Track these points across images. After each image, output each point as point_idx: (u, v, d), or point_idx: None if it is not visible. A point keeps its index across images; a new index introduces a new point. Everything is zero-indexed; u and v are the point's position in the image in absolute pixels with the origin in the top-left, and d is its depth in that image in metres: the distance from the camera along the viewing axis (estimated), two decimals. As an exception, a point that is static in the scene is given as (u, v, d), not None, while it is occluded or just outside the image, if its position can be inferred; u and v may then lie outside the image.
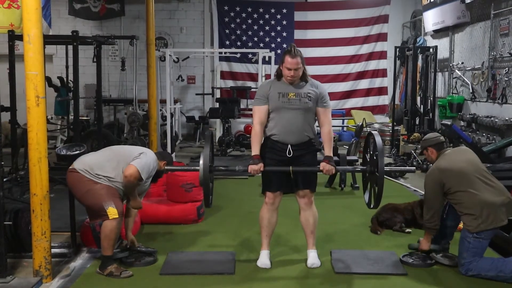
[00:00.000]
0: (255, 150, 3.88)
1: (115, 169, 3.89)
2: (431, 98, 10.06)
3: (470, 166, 3.97)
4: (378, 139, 3.79)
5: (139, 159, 3.91)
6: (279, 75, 3.91)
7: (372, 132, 3.93)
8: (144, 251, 4.23)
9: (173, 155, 8.49)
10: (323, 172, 3.90)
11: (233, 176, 7.58)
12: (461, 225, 4.52)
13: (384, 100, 12.54)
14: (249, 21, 12.25)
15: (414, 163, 8.30)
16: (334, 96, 12.40)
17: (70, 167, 3.95)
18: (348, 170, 4.16)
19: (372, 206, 3.99)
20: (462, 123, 9.12)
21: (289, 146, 3.89)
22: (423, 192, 4.01)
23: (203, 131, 11.72)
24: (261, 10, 12.23)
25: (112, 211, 3.79)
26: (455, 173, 3.89)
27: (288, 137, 3.89)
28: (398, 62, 10.63)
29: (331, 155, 3.95)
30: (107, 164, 3.91)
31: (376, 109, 12.50)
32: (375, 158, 3.80)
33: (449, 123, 7.88)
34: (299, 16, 12.28)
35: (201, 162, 3.68)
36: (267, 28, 12.28)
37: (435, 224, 4.01)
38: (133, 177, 3.85)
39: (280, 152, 3.92)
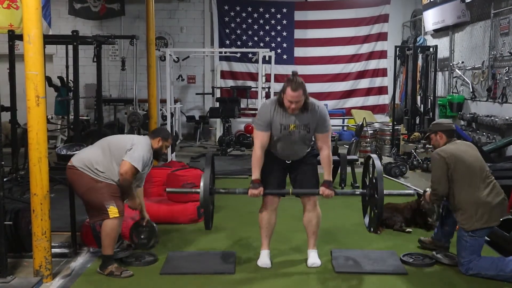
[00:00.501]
0: (256, 174, 3.90)
1: (110, 164, 3.87)
2: (431, 98, 10.06)
3: (477, 163, 3.94)
4: (378, 162, 3.84)
5: (131, 152, 3.85)
6: (280, 103, 3.83)
7: (372, 155, 3.97)
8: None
9: (174, 154, 8.50)
10: (323, 196, 3.95)
11: (233, 176, 7.58)
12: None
13: (384, 99, 12.53)
14: (249, 20, 12.24)
15: (415, 162, 8.29)
16: (334, 95, 12.42)
17: (69, 164, 3.95)
18: (347, 193, 4.19)
19: (372, 230, 4.00)
20: (462, 122, 9.12)
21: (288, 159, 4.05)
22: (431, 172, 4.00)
23: (204, 130, 11.74)
24: (261, 9, 12.23)
25: (113, 210, 3.80)
26: (463, 163, 3.85)
27: (286, 157, 4.03)
28: (398, 61, 10.63)
29: (331, 179, 3.97)
30: (103, 160, 3.89)
31: (376, 109, 12.49)
32: (374, 181, 3.83)
33: (449, 122, 7.86)
34: (299, 15, 12.27)
35: (201, 184, 3.75)
36: (267, 27, 12.27)
37: (439, 196, 3.98)
38: (129, 174, 3.83)
39: (279, 160, 4.04)
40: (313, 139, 3.99)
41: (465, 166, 3.86)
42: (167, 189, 4.31)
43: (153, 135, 4.14)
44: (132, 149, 3.88)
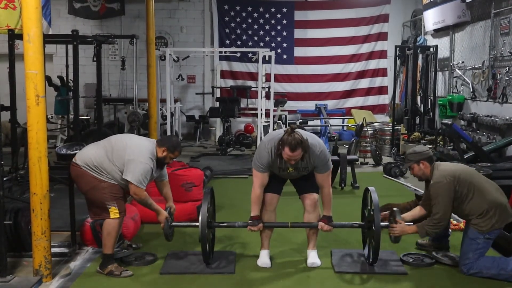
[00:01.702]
0: (255, 211, 3.97)
1: (109, 165, 3.86)
2: (432, 98, 10.06)
3: (469, 169, 4.00)
4: (375, 196, 3.90)
5: (132, 171, 3.78)
6: (279, 154, 3.78)
7: (369, 188, 4.02)
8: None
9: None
10: (322, 230, 4.01)
11: (233, 176, 7.58)
12: (461, 225, 4.54)
13: (384, 99, 12.53)
14: (249, 20, 12.24)
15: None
16: (334, 95, 12.42)
17: (73, 161, 3.94)
18: (346, 226, 4.21)
19: (371, 261, 4.00)
20: (462, 122, 9.12)
21: None
22: (433, 203, 3.85)
23: (203, 130, 11.73)
24: (261, 9, 12.23)
25: (114, 211, 3.82)
26: (463, 177, 3.85)
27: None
28: (398, 61, 10.63)
29: (331, 215, 4.02)
30: (103, 160, 3.88)
31: (376, 109, 12.49)
32: (372, 213, 3.90)
33: (449, 122, 7.88)
34: (299, 15, 12.27)
35: (200, 218, 3.82)
36: (267, 27, 12.27)
37: (439, 230, 3.92)
38: (138, 194, 3.88)
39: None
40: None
41: (467, 180, 3.85)
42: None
43: (160, 142, 4.02)
44: (131, 166, 3.79)
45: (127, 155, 3.82)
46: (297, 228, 4.23)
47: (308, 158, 3.80)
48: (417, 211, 4.19)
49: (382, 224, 3.87)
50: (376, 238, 3.82)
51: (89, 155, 3.93)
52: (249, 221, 3.97)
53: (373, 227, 3.84)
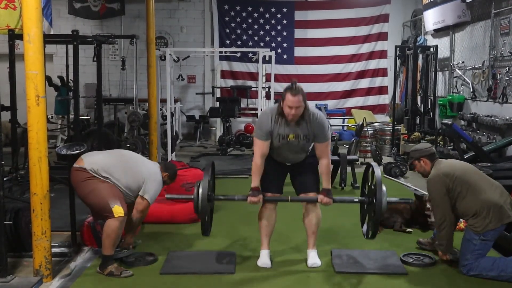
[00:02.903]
0: (255, 182, 3.93)
1: (119, 179, 3.91)
2: (432, 98, 10.06)
3: (469, 168, 4.00)
4: (378, 170, 3.84)
5: (148, 189, 3.99)
6: (279, 112, 3.83)
7: (372, 164, 3.96)
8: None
9: (174, 154, 8.49)
10: (321, 203, 3.98)
11: (233, 176, 7.58)
12: (461, 225, 4.54)
13: (385, 99, 12.53)
14: (250, 20, 12.24)
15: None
16: (334, 95, 12.42)
17: (77, 165, 3.94)
18: (346, 200, 4.20)
19: (369, 236, 3.98)
20: (462, 122, 9.12)
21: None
22: (431, 204, 3.94)
23: (204, 130, 11.74)
24: (261, 9, 12.23)
25: (118, 210, 3.79)
26: (459, 175, 3.86)
27: (285, 161, 4.06)
28: (398, 61, 10.63)
29: (329, 187, 3.99)
30: (114, 171, 3.92)
31: (376, 109, 12.48)
32: (373, 188, 3.84)
33: (449, 122, 7.88)
34: (299, 15, 12.27)
35: (200, 191, 3.78)
36: (267, 27, 12.27)
37: (444, 225, 3.90)
38: (144, 211, 4.04)
39: (279, 162, 4.06)
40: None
41: (464, 179, 3.86)
42: (166, 196, 4.32)
43: (164, 167, 4.29)
44: (151, 185, 4.00)
45: (146, 173, 4.02)
46: (296, 202, 4.12)
47: (308, 120, 3.81)
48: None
49: (384, 199, 3.75)
50: (377, 211, 3.73)
51: (100, 161, 3.96)
52: (249, 192, 3.92)
53: (374, 200, 3.76)
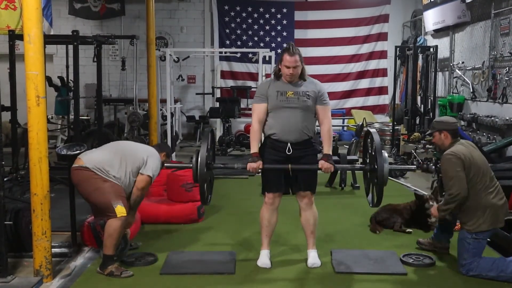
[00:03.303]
0: (254, 148, 3.90)
1: (120, 170, 3.93)
2: (432, 98, 10.06)
3: (484, 165, 3.91)
4: (376, 136, 3.80)
5: (148, 165, 4.00)
6: (277, 75, 3.90)
7: (370, 130, 3.91)
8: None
9: (174, 154, 8.49)
10: (322, 170, 3.89)
11: (233, 176, 7.57)
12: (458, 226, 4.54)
13: (385, 99, 12.53)
14: (249, 20, 12.24)
15: (415, 162, 8.29)
16: (334, 95, 12.40)
17: (77, 165, 3.94)
18: (347, 168, 4.09)
19: (375, 202, 3.87)
20: (462, 122, 9.12)
21: (289, 144, 3.88)
22: (446, 179, 3.80)
23: (204, 130, 11.73)
24: (261, 9, 12.23)
25: (121, 210, 3.80)
26: (474, 165, 3.81)
27: (287, 135, 3.88)
28: (398, 61, 10.63)
29: (330, 153, 3.93)
30: (114, 163, 3.94)
31: (376, 109, 12.49)
32: (374, 154, 3.78)
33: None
34: (299, 15, 12.28)
35: (198, 158, 3.73)
36: (267, 27, 12.28)
37: (461, 198, 3.77)
38: (146, 186, 4.03)
39: (279, 151, 3.91)
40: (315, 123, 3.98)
41: (477, 169, 3.81)
42: (165, 164, 4.27)
43: (159, 148, 4.32)
44: (147, 164, 4.01)
45: (144, 154, 4.05)
46: (297, 170, 3.93)
47: (306, 82, 3.88)
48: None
49: (386, 165, 3.66)
50: (379, 177, 3.67)
51: (97, 158, 3.96)
52: (249, 159, 3.88)
53: (376, 165, 3.71)
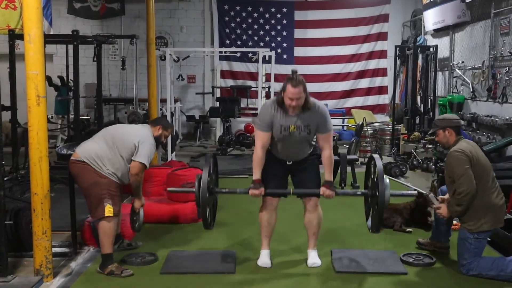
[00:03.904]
0: (256, 174, 3.90)
1: (114, 158, 3.91)
2: (431, 97, 10.06)
3: (488, 165, 3.89)
4: (379, 162, 3.82)
5: (140, 152, 3.92)
6: (280, 103, 3.81)
7: (374, 156, 3.92)
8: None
9: (174, 154, 8.50)
10: (323, 196, 3.93)
11: (234, 176, 7.58)
12: (457, 225, 4.54)
13: (384, 99, 12.54)
14: (249, 20, 12.24)
15: (414, 162, 8.30)
16: (334, 95, 12.43)
17: (73, 158, 3.94)
18: (348, 193, 4.15)
19: (374, 229, 3.95)
20: (462, 122, 9.09)
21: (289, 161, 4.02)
22: (455, 177, 3.72)
23: (204, 130, 11.74)
24: (261, 9, 12.23)
25: (109, 209, 3.83)
26: (480, 164, 3.79)
27: (285, 157, 4.01)
28: (398, 61, 10.63)
29: (332, 180, 3.95)
30: (108, 153, 3.91)
31: (376, 108, 12.49)
32: (376, 181, 3.81)
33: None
34: (299, 15, 12.28)
35: (200, 183, 3.77)
36: (267, 27, 12.28)
37: (472, 195, 3.72)
38: (140, 174, 3.96)
39: (280, 161, 4.01)
40: (315, 139, 3.97)
41: (482, 168, 3.80)
42: (168, 189, 4.31)
43: (153, 123, 4.24)
44: (139, 150, 3.93)
45: (135, 139, 3.95)
46: (299, 195, 4.06)
47: (309, 110, 3.78)
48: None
49: (388, 192, 3.69)
50: (380, 203, 3.70)
51: (91, 148, 3.95)
52: (251, 185, 3.89)
53: (377, 193, 3.73)
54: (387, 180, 3.75)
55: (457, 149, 3.81)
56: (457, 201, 3.78)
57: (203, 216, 3.86)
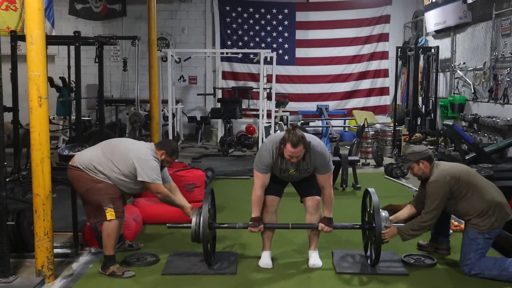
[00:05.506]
0: (255, 213, 3.98)
1: (107, 168, 3.88)
2: (433, 99, 10.06)
3: (470, 170, 4.01)
4: (375, 197, 3.90)
5: (139, 172, 3.84)
6: (281, 154, 3.80)
7: (369, 190, 4.00)
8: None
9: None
10: (322, 231, 4.02)
11: (235, 177, 7.59)
12: (462, 226, 4.54)
13: (386, 100, 12.53)
14: (251, 21, 12.26)
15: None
16: (335, 96, 12.43)
17: (70, 164, 3.97)
18: (347, 227, 4.23)
19: (373, 263, 3.99)
20: (463, 123, 9.12)
21: None
22: (428, 201, 3.87)
23: (205, 131, 11.75)
24: (262, 10, 12.24)
25: (110, 212, 3.83)
26: (464, 177, 3.87)
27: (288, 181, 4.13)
28: (399, 62, 10.64)
29: (331, 216, 4.03)
30: (104, 161, 3.90)
31: (377, 109, 12.49)
32: (372, 213, 3.92)
33: (450, 123, 7.88)
34: (300, 16, 12.29)
35: (200, 219, 3.82)
36: (268, 28, 12.29)
37: (428, 229, 3.98)
38: (159, 192, 3.96)
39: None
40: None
41: (465, 176, 3.88)
42: (167, 225, 4.30)
43: (159, 146, 4.11)
44: (141, 166, 3.84)
45: (133, 155, 3.88)
46: (297, 229, 4.23)
47: (309, 158, 3.82)
48: (407, 210, 4.22)
49: (383, 224, 3.86)
50: (377, 239, 3.82)
51: (87, 156, 3.96)
52: (250, 222, 3.97)
53: (374, 228, 3.84)
54: (383, 214, 3.91)
55: (437, 177, 3.88)
56: (418, 226, 3.89)
57: (205, 251, 3.88)
